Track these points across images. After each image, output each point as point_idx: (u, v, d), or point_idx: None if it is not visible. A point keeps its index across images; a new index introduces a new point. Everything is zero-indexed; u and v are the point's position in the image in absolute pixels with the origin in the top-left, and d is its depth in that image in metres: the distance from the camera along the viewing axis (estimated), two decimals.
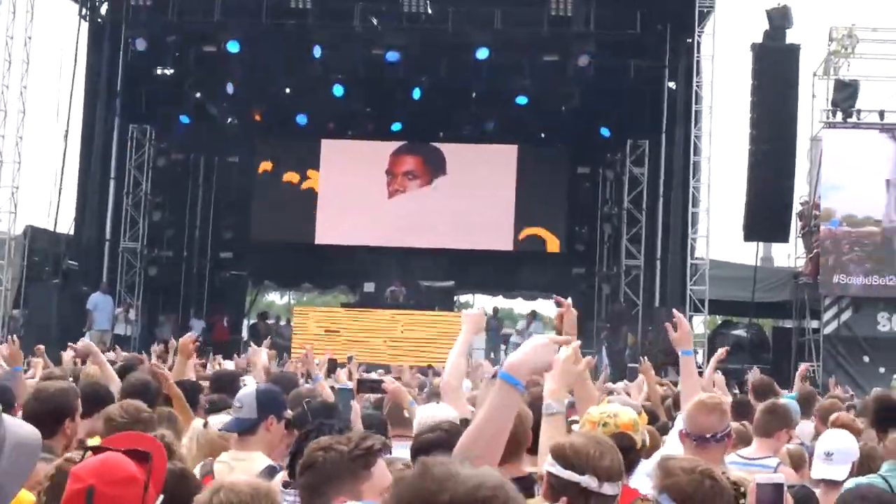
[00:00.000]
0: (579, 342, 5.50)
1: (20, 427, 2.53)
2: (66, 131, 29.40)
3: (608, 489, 4.04)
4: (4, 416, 2.49)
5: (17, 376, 9.29)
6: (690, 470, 4.19)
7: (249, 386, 6.68)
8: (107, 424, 5.72)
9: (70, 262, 28.98)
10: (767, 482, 3.71)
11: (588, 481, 3.99)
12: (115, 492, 3.04)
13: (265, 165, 33.26)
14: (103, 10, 30.25)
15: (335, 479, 3.95)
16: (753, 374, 14.19)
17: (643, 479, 5.96)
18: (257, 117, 32.27)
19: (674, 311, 7.57)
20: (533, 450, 5.26)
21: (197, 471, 5.90)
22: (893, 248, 27.22)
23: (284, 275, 36.33)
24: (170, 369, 9.34)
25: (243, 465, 5.85)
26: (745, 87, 27.84)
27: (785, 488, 3.72)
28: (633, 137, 30.35)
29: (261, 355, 11.51)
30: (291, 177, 33.14)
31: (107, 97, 29.40)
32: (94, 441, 5.84)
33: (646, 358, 13.71)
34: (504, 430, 3.90)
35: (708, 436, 5.82)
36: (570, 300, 6.45)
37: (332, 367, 12.42)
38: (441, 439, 4.82)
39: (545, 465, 4.14)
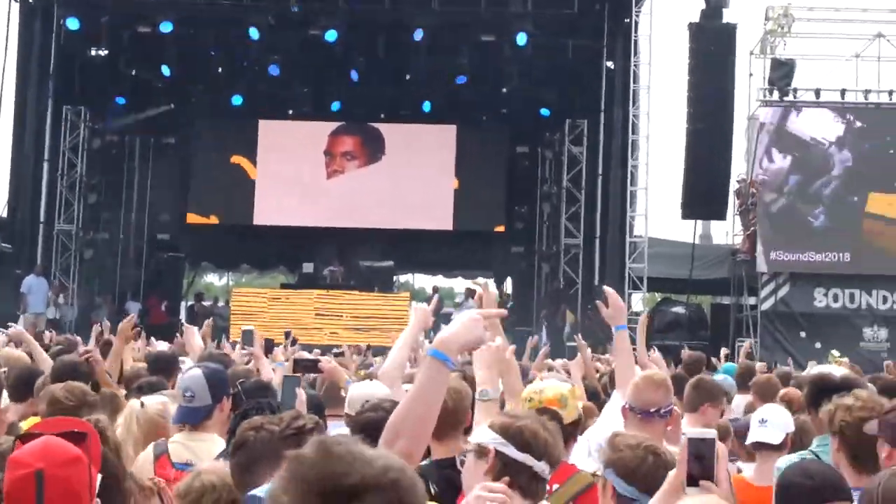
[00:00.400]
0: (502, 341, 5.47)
1: None
2: None
3: (549, 473, 4.03)
4: None
5: None
6: (635, 446, 4.25)
7: (194, 372, 6.46)
8: (51, 406, 5.65)
9: (3, 244, 28.63)
10: (698, 436, 3.70)
11: (542, 467, 3.95)
12: (64, 473, 3.00)
13: (201, 146, 32.99)
14: None
15: (266, 459, 3.91)
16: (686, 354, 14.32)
17: (581, 454, 5.97)
18: (193, 98, 32.05)
19: (604, 287, 7.57)
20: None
21: (149, 451, 5.92)
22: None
23: (222, 256, 36.13)
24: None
25: (202, 447, 5.83)
26: (683, 67, 27.97)
27: (716, 442, 3.71)
28: (571, 117, 30.45)
29: (195, 336, 11.42)
30: (228, 158, 32.89)
31: (39, 78, 29.03)
32: (29, 423, 5.77)
33: (580, 336, 13.82)
34: (434, 407, 3.84)
35: (652, 410, 5.80)
36: (487, 281, 6.47)
37: (269, 346, 12.36)
38: (384, 419, 4.76)
39: (490, 440, 4.01)
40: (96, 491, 3.08)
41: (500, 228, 32.89)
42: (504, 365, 5.75)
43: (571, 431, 5.71)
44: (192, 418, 6.14)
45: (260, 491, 3.70)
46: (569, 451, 5.50)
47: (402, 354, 6.86)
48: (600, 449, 4.57)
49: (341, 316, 27.86)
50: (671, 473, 3.76)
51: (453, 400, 5.14)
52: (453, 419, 5.16)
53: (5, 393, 6.05)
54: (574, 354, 15.03)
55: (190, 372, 6.55)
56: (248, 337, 9.63)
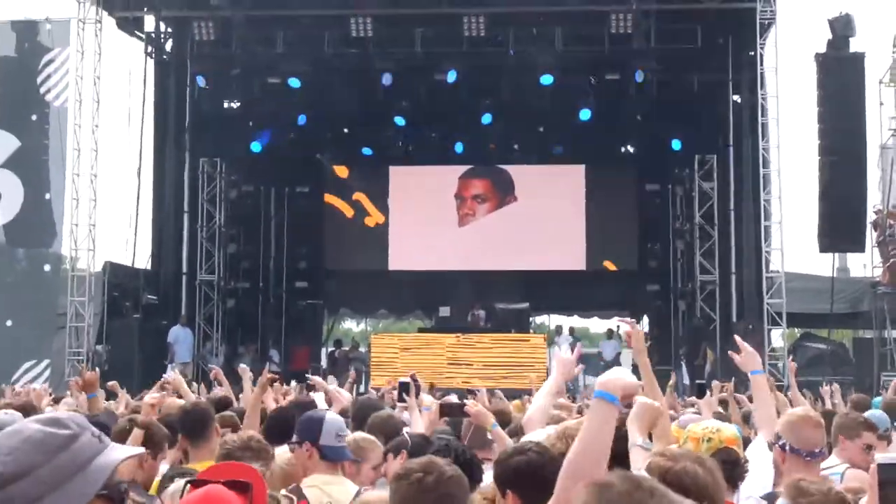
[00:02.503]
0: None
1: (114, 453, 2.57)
2: (139, 168, 29.89)
3: None
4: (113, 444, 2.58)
5: (94, 402, 9.46)
6: (826, 492, 4.22)
7: (334, 415, 6.69)
8: (221, 449, 5.82)
9: (149, 296, 29.35)
10: (888, 461, 3.65)
11: None
12: None
13: (334, 195, 33.51)
14: (168, 46, 30.78)
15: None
16: (832, 388, 14.05)
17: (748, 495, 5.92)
18: (324, 146, 32.63)
19: (735, 336, 7.53)
20: None
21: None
22: None
23: (360, 302, 36.52)
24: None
25: (338, 490, 5.98)
26: (811, 98, 27.62)
27: None
28: (700, 152, 30.16)
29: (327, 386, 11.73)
30: (361, 204, 33.32)
31: (175, 132, 29.88)
32: (203, 466, 5.98)
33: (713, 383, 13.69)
34: (606, 446, 3.91)
35: (816, 451, 5.74)
36: (638, 320, 6.50)
37: (404, 388, 12.45)
38: (532, 461, 4.83)
39: None
40: None
41: (634, 267, 32.74)
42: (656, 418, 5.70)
43: (742, 472, 5.60)
44: (347, 455, 6.37)
45: None
46: (738, 491, 5.49)
47: (547, 402, 6.83)
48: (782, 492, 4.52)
49: (474, 361, 27.85)
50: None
51: None
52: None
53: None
54: (703, 393, 14.96)
55: (333, 415, 6.74)
56: (405, 388, 9.75)
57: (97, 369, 10.81)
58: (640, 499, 2.08)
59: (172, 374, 10.84)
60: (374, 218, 33.25)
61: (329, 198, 33.56)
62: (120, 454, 2.54)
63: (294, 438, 6.42)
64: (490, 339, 28.17)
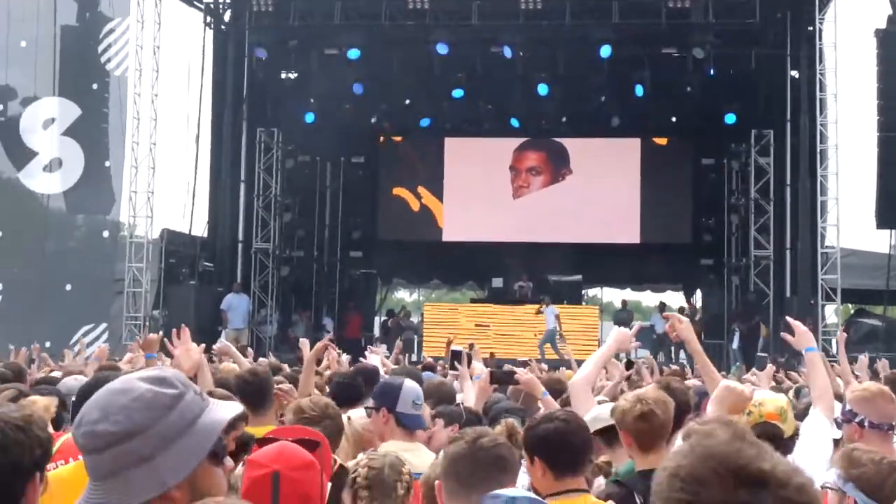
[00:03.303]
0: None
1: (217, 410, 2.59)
2: (197, 136, 30.21)
3: None
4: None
5: (152, 364, 9.65)
6: (878, 461, 4.23)
7: (414, 383, 6.70)
8: (296, 415, 5.92)
9: (205, 263, 29.69)
10: None
11: None
12: (297, 476, 3.21)
13: (390, 164, 33.68)
14: (227, 17, 30.99)
15: None
16: (882, 365, 14.02)
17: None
18: (380, 116, 32.76)
19: (786, 318, 7.55)
20: None
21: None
22: None
23: (413, 272, 36.72)
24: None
25: (414, 456, 5.94)
26: (871, 74, 27.41)
27: None
28: (756, 127, 30.01)
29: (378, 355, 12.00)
30: (416, 175, 33.47)
31: (233, 102, 30.09)
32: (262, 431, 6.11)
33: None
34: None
35: (894, 423, 5.69)
36: (691, 294, 6.54)
37: (456, 357, 12.58)
38: (560, 429, 4.89)
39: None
40: (327, 497, 3.31)
41: (688, 241, 32.70)
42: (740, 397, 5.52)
43: (789, 446, 5.64)
44: (422, 424, 6.46)
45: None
46: None
47: (594, 371, 6.96)
48: (833, 462, 4.52)
49: (529, 330, 28.02)
50: None
51: (662, 411, 5.28)
52: (662, 430, 5.28)
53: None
54: (763, 366, 14.98)
55: (410, 383, 6.74)
56: (457, 357, 9.83)
57: (161, 332, 10.97)
58: (738, 447, 2.10)
59: (220, 343, 10.99)
60: (428, 188, 33.36)
61: (383, 168, 33.72)
62: (225, 413, 2.56)
63: (371, 404, 6.49)
64: (542, 310, 28.25)
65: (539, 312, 27.90)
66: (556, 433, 4.84)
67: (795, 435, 5.86)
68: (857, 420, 5.71)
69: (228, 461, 2.60)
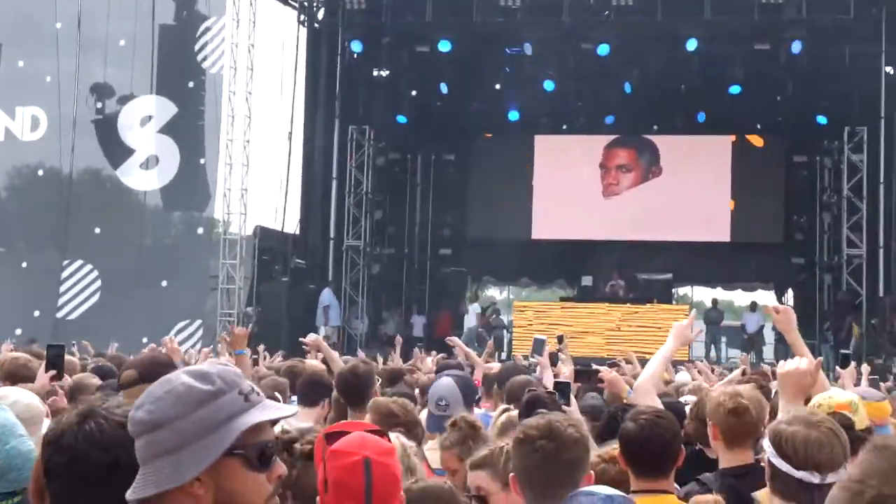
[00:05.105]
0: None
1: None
2: (290, 134, 30.55)
3: (833, 479, 3.80)
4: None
5: (241, 360, 9.81)
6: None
7: (446, 381, 6.66)
8: (377, 415, 5.85)
9: (297, 260, 29.98)
10: None
11: (808, 477, 3.86)
12: (385, 460, 3.32)
13: (480, 162, 33.73)
14: (320, 15, 31.31)
15: None
16: None
17: None
18: (471, 115, 32.83)
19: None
20: None
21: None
22: None
23: (503, 270, 36.68)
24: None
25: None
26: None
27: None
28: (850, 124, 29.62)
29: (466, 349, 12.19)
30: (506, 172, 33.47)
31: (326, 99, 30.40)
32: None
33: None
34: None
35: None
36: (783, 293, 6.45)
37: (553, 360, 12.57)
38: (640, 430, 4.94)
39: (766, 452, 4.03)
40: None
41: (779, 239, 32.40)
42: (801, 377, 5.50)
43: (864, 437, 5.57)
44: (437, 428, 6.18)
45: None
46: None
47: (659, 369, 6.91)
48: None
49: (619, 329, 27.92)
50: None
51: (756, 410, 5.25)
52: (753, 429, 5.25)
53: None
54: (847, 363, 14.84)
55: (442, 380, 6.76)
56: (538, 346, 9.83)
57: (250, 327, 11.14)
58: None
59: (312, 335, 11.04)
60: (518, 185, 33.34)
61: (473, 166, 33.79)
62: (263, 415, 2.51)
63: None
64: (634, 309, 28.18)
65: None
66: (636, 434, 4.90)
67: (871, 428, 5.61)
68: None
69: (280, 466, 2.58)
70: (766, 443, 4.04)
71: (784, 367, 5.15)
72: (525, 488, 4.02)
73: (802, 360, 5.11)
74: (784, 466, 3.88)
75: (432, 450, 5.95)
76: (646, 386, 6.65)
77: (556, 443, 4.00)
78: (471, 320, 28.47)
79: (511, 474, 4.12)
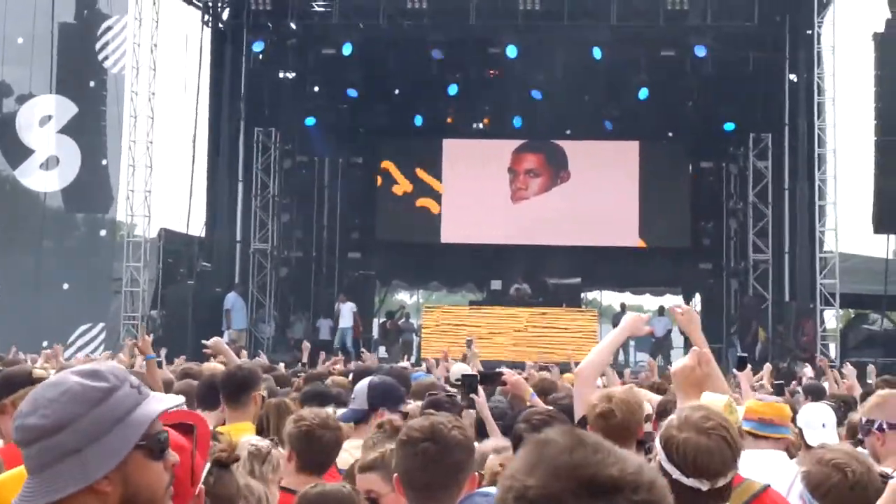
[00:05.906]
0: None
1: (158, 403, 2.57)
2: (194, 136, 30.19)
3: (722, 483, 3.81)
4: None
5: (151, 364, 9.64)
6: (826, 461, 4.36)
7: (366, 379, 6.93)
8: (296, 426, 5.80)
9: (203, 263, 29.62)
10: None
11: (697, 484, 3.78)
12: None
13: (387, 165, 33.57)
14: (225, 15, 30.92)
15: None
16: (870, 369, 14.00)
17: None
18: (377, 118, 32.66)
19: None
20: None
21: None
22: None
23: (412, 274, 36.62)
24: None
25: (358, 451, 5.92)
26: (869, 78, 27.33)
27: None
28: (755, 131, 29.95)
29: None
30: (414, 176, 33.35)
31: (231, 101, 30.00)
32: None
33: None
34: None
35: None
36: (690, 297, 6.43)
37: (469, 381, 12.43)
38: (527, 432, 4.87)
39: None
40: (201, 478, 3.28)
41: (687, 244, 32.63)
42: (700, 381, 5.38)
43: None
44: (346, 418, 6.55)
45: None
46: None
47: (602, 357, 6.66)
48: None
49: (527, 332, 27.94)
50: None
51: (622, 412, 5.20)
52: (623, 431, 5.16)
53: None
54: (744, 366, 14.89)
55: (365, 380, 6.96)
56: (471, 381, 9.85)
57: (151, 335, 10.93)
58: (582, 455, 1.98)
59: (214, 339, 10.88)
60: (425, 190, 33.24)
61: (381, 169, 33.59)
62: (160, 405, 2.54)
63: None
64: (542, 313, 28.23)
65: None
66: (528, 435, 4.78)
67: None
68: (875, 427, 5.81)
69: (173, 455, 2.58)
70: (657, 445, 3.94)
71: (674, 366, 5.11)
72: (407, 489, 3.95)
73: (688, 356, 5.03)
74: (675, 473, 3.80)
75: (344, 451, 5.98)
76: (586, 371, 6.50)
77: (439, 445, 3.94)
78: (346, 320, 28.49)
79: (395, 475, 4.04)
